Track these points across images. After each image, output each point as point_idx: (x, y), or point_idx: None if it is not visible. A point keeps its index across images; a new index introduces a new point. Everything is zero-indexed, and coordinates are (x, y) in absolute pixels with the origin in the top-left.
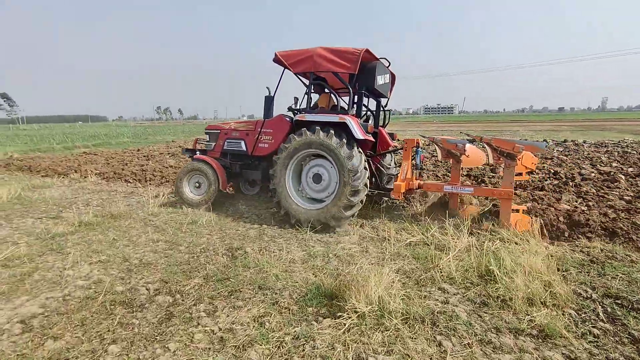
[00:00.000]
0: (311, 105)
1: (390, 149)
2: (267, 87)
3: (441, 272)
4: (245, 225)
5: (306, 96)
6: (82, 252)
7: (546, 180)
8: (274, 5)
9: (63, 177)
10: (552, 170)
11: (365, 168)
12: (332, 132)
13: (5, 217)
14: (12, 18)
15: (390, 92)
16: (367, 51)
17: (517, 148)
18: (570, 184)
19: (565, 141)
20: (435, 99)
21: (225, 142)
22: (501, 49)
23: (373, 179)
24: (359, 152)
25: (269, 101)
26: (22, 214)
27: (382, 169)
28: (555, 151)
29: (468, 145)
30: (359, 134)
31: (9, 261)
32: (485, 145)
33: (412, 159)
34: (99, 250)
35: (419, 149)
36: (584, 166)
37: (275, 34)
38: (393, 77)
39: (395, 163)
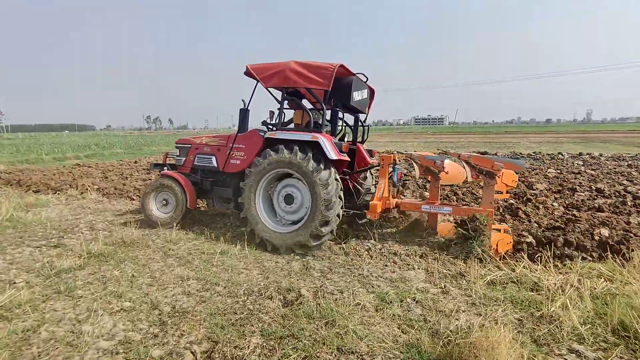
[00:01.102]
0: (286, 121)
1: (371, 165)
2: (242, 100)
3: (560, 326)
4: (284, 255)
5: (280, 112)
6: (98, 295)
7: (595, 198)
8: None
9: (58, 193)
10: (593, 187)
11: (336, 179)
12: (297, 148)
13: None
14: None
15: (369, 107)
16: (342, 66)
17: (496, 166)
18: (629, 203)
19: (580, 154)
20: (425, 110)
21: (196, 157)
22: (489, 64)
23: (352, 198)
24: (330, 167)
25: (243, 114)
26: (16, 242)
27: (360, 187)
28: (574, 164)
29: (447, 162)
30: (332, 154)
31: (7, 311)
32: (464, 163)
33: (389, 177)
34: (118, 293)
35: (396, 165)
36: (624, 182)
37: (276, 39)
38: (372, 92)
39: (374, 180)
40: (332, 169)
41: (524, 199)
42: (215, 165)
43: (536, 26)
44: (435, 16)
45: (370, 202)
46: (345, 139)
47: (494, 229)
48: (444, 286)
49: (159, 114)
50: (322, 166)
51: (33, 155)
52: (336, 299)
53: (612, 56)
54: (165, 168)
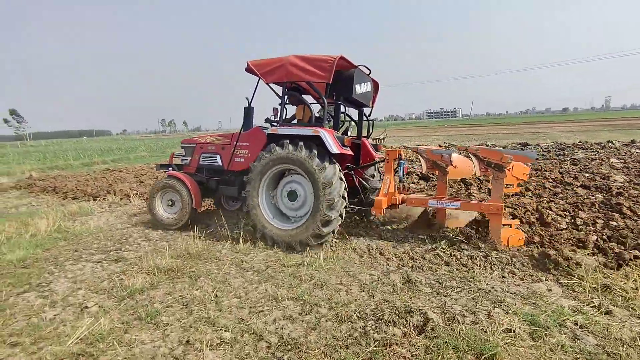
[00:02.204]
0: (289, 118)
1: (377, 159)
2: (247, 98)
3: None
4: (374, 265)
5: (274, 108)
6: (186, 322)
7: None
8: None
9: (98, 200)
10: None
11: (340, 179)
12: (302, 144)
13: (54, 260)
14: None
15: (374, 100)
16: (343, 58)
17: (505, 158)
18: None
19: (633, 141)
20: (437, 103)
21: (201, 157)
22: (502, 52)
23: (358, 194)
24: (333, 163)
25: (247, 112)
26: (73, 256)
27: (366, 183)
28: (629, 153)
29: (455, 156)
30: (334, 148)
31: (90, 345)
32: (472, 156)
33: (395, 172)
34: (209, 320)
35: (402, 160)
36: None
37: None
38: (376, 85)
39: (380, 176)
40: (336, 167)
41: (614, 192)
42: (220, 164)
43: (547, 14)
44: (445, 5)
45: (375, 198)
46: (349, 134)
47: (504, 225)
48: (599, 304)
49: (173, 117)
50: (326, 164)
51: (61, 162)
52: (475, 324)
53: (629, 42)
54: (171, 168)
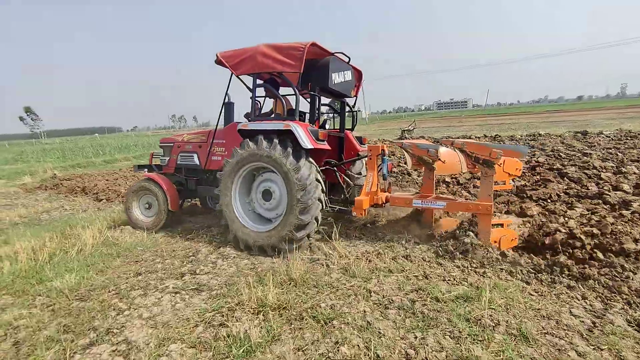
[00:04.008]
0: (268, 112)
1: (359, 155)
2: (228, 94)
3: None
4: (554, 293)
5: (257, 102)
6: None
7: None
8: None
9: None
10: None
11: (317, 180)
12: (277, 141)
13: (115, 288)
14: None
15: (357, 90)
16: (315, 45)
17: (495, 154)
18: None
19: None
20: (447, 94)
21: (179, 156)
22: (513, 40)
23: (343, 192)
24: (309, 162)
25: (227, 108)
26: (137, 281)
27: (349, 180)
28: None
29: (443, 150)
30: (306, 142)
31: None
32: (457, 152)
33: (378, 169)
34: None
35: (385, 156)
36: None
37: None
38: (359, 74)
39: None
40: (313, 167)
41: None
42: (198, 163)
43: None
44: None
45: (355, 198)
46: (327, 126)
47: (495, 224)
48: None
49: (182, 112)
50: (300, 163)
51: (82, 159)
52: None
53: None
54: (146, 170)
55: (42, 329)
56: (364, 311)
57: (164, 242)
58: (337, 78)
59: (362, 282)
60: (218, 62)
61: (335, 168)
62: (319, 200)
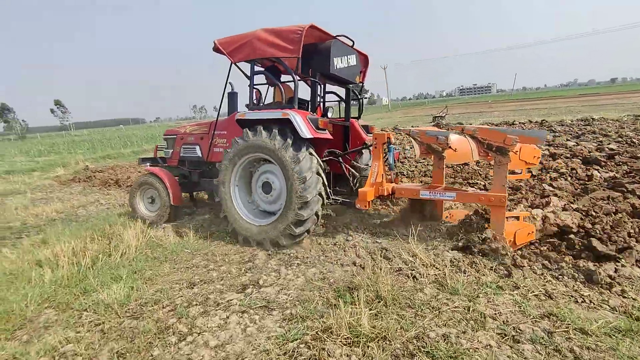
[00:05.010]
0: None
1: (365, 144)
2: (230, 83)
3: None
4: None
5: (258, 90)
6: None
7: None
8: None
9: None
10: None
11: (318, 173)
12: (275, 131)
13: (170, 303)
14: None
15: (363, 76)
16: (314, 27)
17: (509, 140)
18: None
19: None
20: (469, 79)
21: (182, 148)
22: (536, 22)
23: (350, 183)
24: (310, 153)
25: (230, 97)
26: (192, 295)
27: (355, 170)
28: None
29: (454, 137)
30: (305, 132)
31: None
32: (469, 138)
33: (384, 159)
34: None
35: (391, 145)
36: None
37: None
38: (364, 58)
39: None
40: (313, 159)
41: None
42: (200, 155)
43: None
44: None
45: (359, 190)
46: (330, 114)
47: (510, 217)
48: None
49: (203, 102)
50: (300, 155)
51: (111, 151)
52: None
53: None
54: (149, 163)
55: (93, 357)
56: (489, 345)
57: (212, 243)
58: (340, 63)
59: (468, 302)
60: (216, 49)
61: (340, 158)
62: (320, 194)
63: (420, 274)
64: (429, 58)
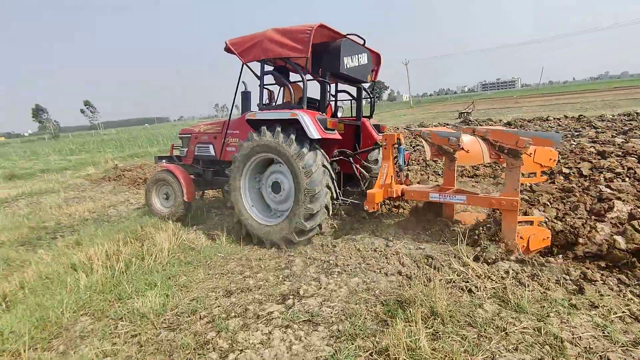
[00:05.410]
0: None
1: (377, 144)
2: (243, 82)
3: None
4: None
5: (269, 90)
6: None
7: None
8: None
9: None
10: None
11: (324, 166)
12: (279, 130)
13: (209, 314)
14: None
15: (375, 75)
16: (323, 27)
17: (522, 142)
18: None
19: None
20: (492, 74)
21: (196, 147)
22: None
23: (361, 183)
24: (315, 149)
25: (244, 97)
26: (230, 305)
27: (365, 171)
28: None
29: (466, 138)
30: (313, 132)
31: None
32: (479, 140)
33: (394, 159)
34: None
35: (401, 146)
36: None
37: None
38: (376, 56)
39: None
40: (318, 153)
41: None
42: (213, 153)
43: None
44: None
45: (368, 191)
46: (339, 114)
47: (522, 222)
48: None
49: (225, 101)
50: (304, 150)
51: (138, 149)
52: None
53: None
54: (164, 161)
55: None
56: None
57: (245, 247)
58: (350, 62)
59: (537, 322)
60: (227, 49)
61: (350, 158)
62: (328, 187)
63: (476, 287)
64: (448, 54)
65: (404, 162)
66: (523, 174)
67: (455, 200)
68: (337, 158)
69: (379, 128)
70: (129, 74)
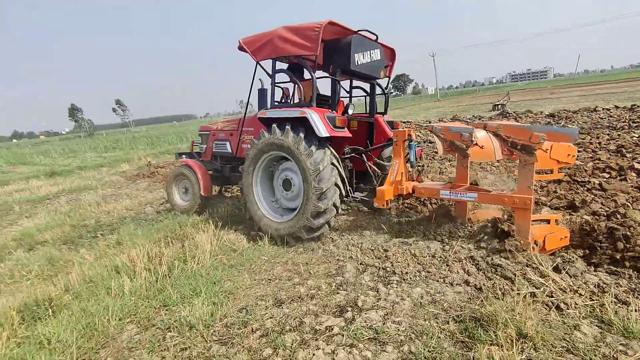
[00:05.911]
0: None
1: (389, 141)
2: (260, 79)
3: None
4: None
5: (280, 88)
6: None
7: None
8: None
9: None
10: None
11: (333, 164)
12: (289, 127)
13: (261, 326)
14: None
15: (390, 70)
16: (333, 23)
17: (536, 138)
18: None
19: None
20: (521, 64)
21: (214, 144)
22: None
23: (373, 180)
24: (325, 148)
25: (260, 94)
26: (285, 317)
27: (378, 168)
28: None
29: (480, 134)
30: (321, 130)
31: None
32: (491, 135)
33: (405, 156)
34: None
35: (412, 142)
36: None
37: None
38: (390, 52)
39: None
40: (327, 151)
41: None
42: (230, 150)
43: None
44: None
45: (377, 188)
46: (350, 111)
47: (537, 220)
48: None
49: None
50: (313, 148)
51: (169, 146)
52: None
53: None
54: (184, 157)
55: None
56: None
57: (289, 250)
58: (362, 58)
59: None
60: (240, 48)
61: (362, 155)
62: (336, 185)
63: (565, 304)
64: (479, 43)
65: (415, 158)
66: (539, 172)
67: (466, 198)
68: (349, 155)
69: (392, 124)
70: (157, 72)
